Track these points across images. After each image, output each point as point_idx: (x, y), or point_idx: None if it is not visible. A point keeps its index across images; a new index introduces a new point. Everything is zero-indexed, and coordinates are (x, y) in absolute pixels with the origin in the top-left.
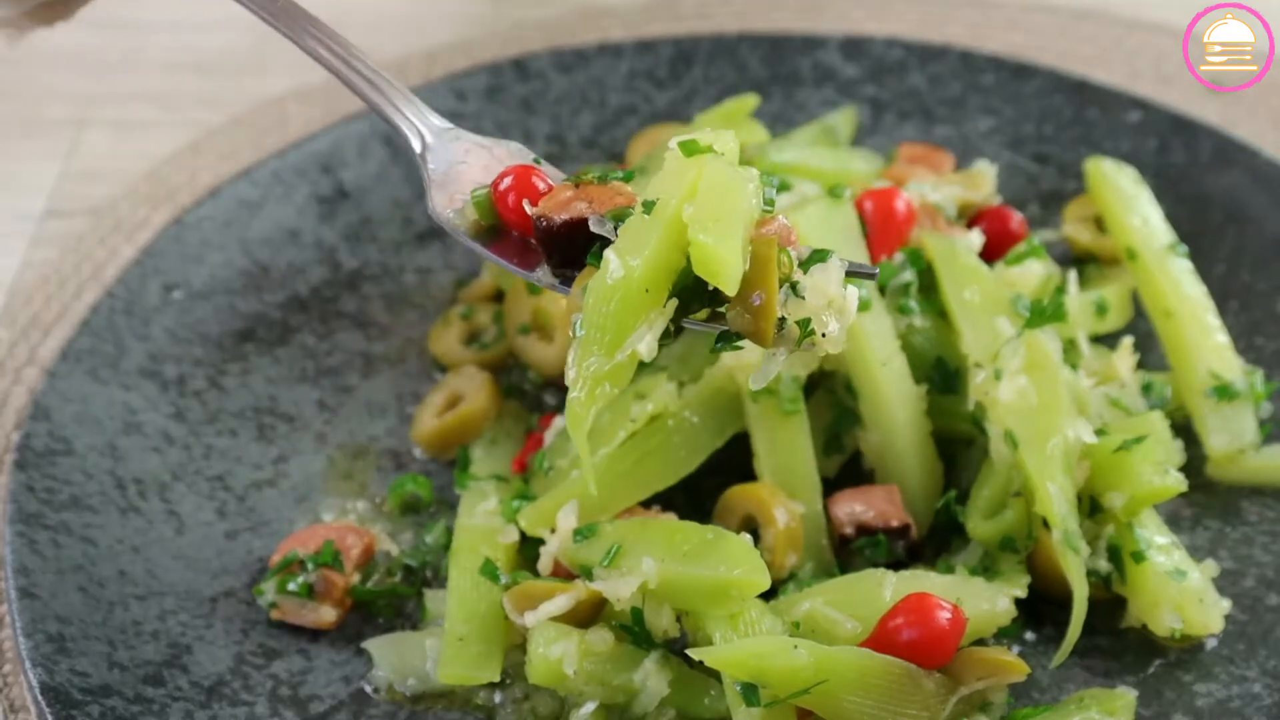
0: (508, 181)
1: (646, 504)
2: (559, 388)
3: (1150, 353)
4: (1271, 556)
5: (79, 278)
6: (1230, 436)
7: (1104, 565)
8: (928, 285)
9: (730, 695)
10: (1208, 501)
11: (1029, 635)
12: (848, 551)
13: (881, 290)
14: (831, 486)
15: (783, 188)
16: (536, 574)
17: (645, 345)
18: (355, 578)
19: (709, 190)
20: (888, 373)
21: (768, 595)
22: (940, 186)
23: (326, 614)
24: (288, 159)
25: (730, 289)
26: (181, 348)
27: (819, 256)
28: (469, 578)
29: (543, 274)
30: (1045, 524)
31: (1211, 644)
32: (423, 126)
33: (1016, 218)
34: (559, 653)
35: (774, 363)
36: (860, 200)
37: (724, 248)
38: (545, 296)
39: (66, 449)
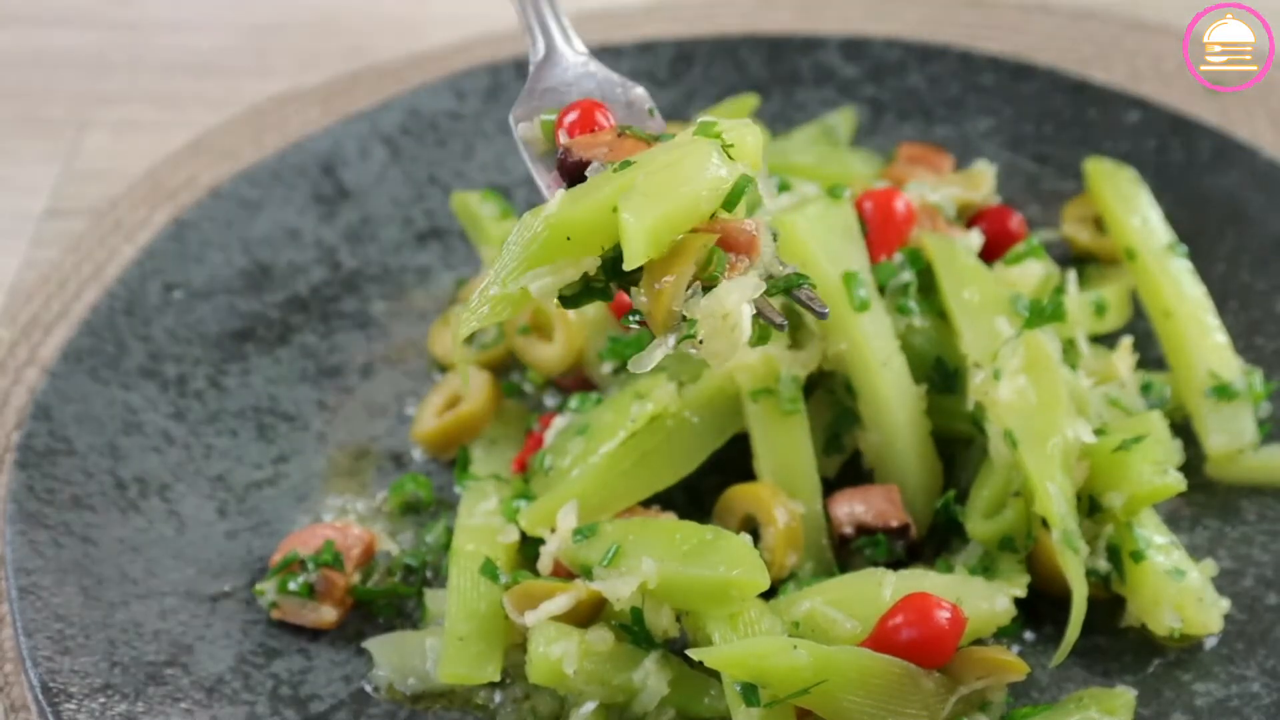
0: (573, 115)
1: (646, 504)
2: (559, 388)
3: (1150, 352)
4: (1270, 556)
5: (79, 278)
6: (1229, 436)
7: (1103, 565)
8: (927, 285)
9: (730, 695)
10: (1207, 501)
11: (1028, 635)
12: (847, 551)
13: (881, 290)
14: (831, 486)
15: (783, 188)
16: (536, 574)
17: (538, 286)
18: (356, 577)
19: (664, 169)
20: (887, 373)
21: (768, 595)
22: (940, 187)
23: (327, 613)
24: (288, 159)
25: (628, 262)
26: (182, 347)
27: (794, 280)
28: (469, 577)
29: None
30: (1044, 524)
31: (1210, 643)
32: (551, 41)
33: (1016, 218)
34: (559, 652)
35: (657, 351)
36: (860, 200)
37: (635, 222)
38: None
39: (67, 449)
